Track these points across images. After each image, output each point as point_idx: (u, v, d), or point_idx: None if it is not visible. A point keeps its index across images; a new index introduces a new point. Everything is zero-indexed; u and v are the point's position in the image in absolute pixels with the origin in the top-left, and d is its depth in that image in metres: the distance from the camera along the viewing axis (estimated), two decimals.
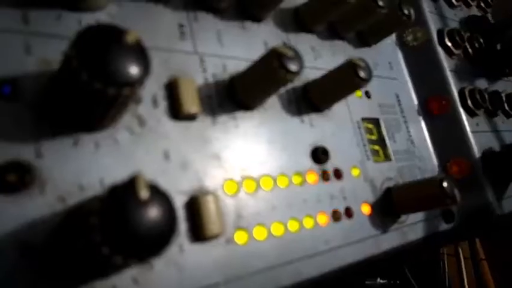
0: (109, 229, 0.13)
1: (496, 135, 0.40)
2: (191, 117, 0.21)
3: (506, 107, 0.42)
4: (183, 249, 0.18)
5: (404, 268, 0.45)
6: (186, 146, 0.20)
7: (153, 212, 0.14)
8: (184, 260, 0.18)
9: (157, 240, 0.14)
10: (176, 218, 0.14)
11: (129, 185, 0.14)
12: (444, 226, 0.33)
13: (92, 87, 0.14)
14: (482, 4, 0.49)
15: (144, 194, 0.14)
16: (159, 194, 0.14)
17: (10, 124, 0.16)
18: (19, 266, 0.15)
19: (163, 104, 0.20)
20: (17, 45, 0.17)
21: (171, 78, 0.21)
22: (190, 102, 0.21)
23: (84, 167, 0.17)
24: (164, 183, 0.18)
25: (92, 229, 0.13)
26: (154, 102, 0.20)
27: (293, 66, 0.20)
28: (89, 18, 0.19)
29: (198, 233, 0.19)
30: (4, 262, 0.14)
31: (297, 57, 0.21)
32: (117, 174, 0.18)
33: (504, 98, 0.43)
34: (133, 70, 0.15)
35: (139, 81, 0.15)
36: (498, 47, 0.42)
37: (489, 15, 0.50)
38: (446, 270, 0.50)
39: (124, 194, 0.13)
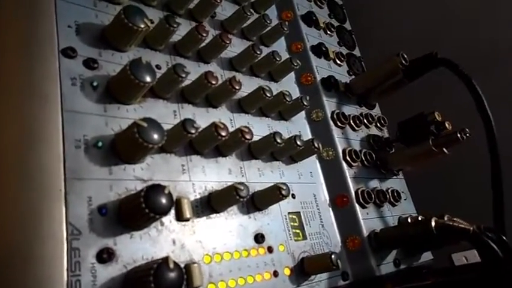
0: (158, 280, 0.29)
1: (382, 220, 0.60)
2: (187, 220, 0.38)
3: (391, 199, 0.63)
4: None
5: None
6: (183, 236, 0.38)
7: (175, 273, 0.31)
8: None
9: (177, 284, 0.30)
10: (183, 276, 0.31)
11: (165, 260, 0.31)
12: (342, 283, 0.51)
13: (146, 213, 0.32)
14: (378, 124, 0.71)
15: (171, 265, 0.31)
16: (177, 265, 0.31)
17: (104, 229, 0.32)
18: None
19: (172, 212, 0.38)
20: (106, 186, 0.34)
21: (177, 198, 0.38)
22: (187, 212, 0.38)
23: (135, 249, 0.34)
24: (174, 258, 0.35)
25: (149, 281, 0.29)
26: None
27: (243, 194, 0.39)
28: (137, 167, 0.37)
29: (189, 284, 0.35)
30: None
31: (246, 188, 0.39)
32: (150, 253, 0.34)
33: (390, 193, 0.63)
34: (166, 207, 0.32)
35: (169, 211, 0.32)
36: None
37: (384, 131, 0.73)
38: None
39: (163, 264, 0.30)
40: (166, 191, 0.33)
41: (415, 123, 0.66)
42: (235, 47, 0.55)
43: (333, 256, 0.45)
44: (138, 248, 0.34)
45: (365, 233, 0.55)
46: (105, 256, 0.32)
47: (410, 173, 0.72)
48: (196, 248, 0.38)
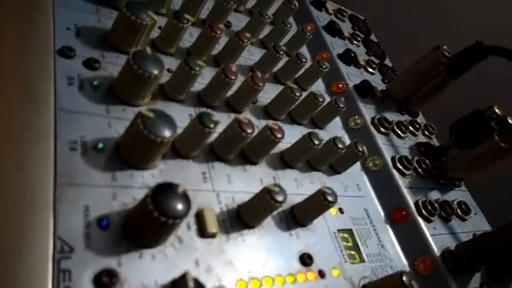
0: None
1: (454, 236, 0.49)
2: (212, 236, 0.30)
3: (460, 213, 0.52)
4: None
5: None
6: (209, 256, 0.29)
7: None
8: None
9: None
10: None
11: (183, 278, 0.23)
12: None
13: (159, 220, 0.24)
14: (426, 133, 0.63)
15: (191, 284, 0.23)
16: (199, 285, 0.23)
17: (105, 245, 0.25)
18: None
19: (193, 227, 0.30)
20: (107, 194, 0.27)
21: (198, 210, 0.31)
22: (212, 226, 0.30)
23: (145, 272, 0.26)
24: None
25: None
26: (188, 227, 0.30)
27: (279, 198, 0.31)
28: (147, 174, 0.30)
29: None
30: None
31: (282, 191, 0.32)
32: (166, 277, 0.26)
33: (457, 205, 0.53)
34: (182, 210, 0.25)
35: (185, 215, 0.25)
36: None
37: (433, 140, 0.63)
38: None
39: (181, 284, 0.22)
40: (180, 190, 0.25)
41: (471, 122, 0.56)
42: (269, 93, 0.46)
43: (404, 277, 0.35)
44: (150, 270, 0.26)
45: (437, 251, 0.44)
46: (106, 280, 0.24)
47: (475, 185, 0.61)
48: (227, 271, 0.30)
